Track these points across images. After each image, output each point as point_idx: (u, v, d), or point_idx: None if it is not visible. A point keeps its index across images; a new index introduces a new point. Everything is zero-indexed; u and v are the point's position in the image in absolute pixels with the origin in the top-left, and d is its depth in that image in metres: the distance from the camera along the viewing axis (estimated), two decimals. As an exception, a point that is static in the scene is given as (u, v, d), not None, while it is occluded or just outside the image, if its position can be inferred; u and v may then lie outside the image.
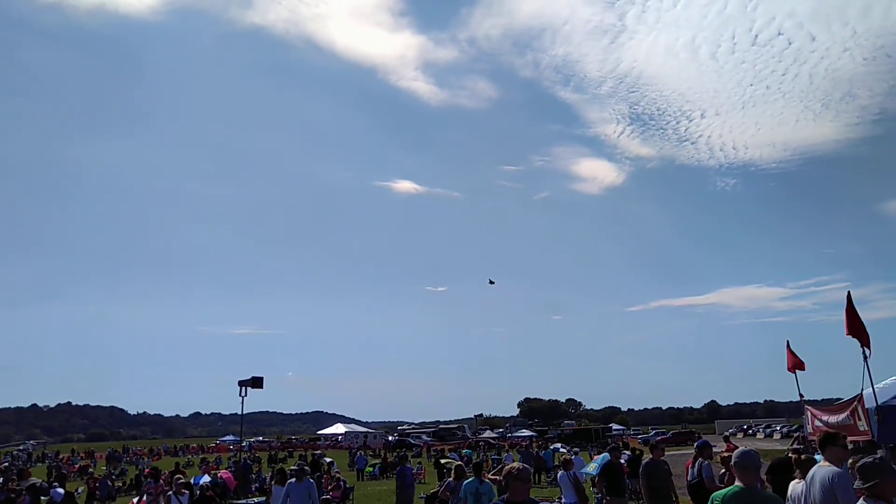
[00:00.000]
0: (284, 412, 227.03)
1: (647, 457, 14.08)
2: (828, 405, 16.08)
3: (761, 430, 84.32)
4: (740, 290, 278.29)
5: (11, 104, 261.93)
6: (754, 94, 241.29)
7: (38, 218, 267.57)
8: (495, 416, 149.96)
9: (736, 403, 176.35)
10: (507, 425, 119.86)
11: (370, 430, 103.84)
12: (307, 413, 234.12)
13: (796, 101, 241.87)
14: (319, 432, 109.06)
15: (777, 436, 71.80)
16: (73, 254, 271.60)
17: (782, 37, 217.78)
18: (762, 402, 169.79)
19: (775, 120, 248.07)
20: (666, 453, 14.15)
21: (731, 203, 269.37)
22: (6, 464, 54.83)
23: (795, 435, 34.53)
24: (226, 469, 35.31)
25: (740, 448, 5.43)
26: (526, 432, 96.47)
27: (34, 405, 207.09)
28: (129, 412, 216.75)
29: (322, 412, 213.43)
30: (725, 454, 14.34)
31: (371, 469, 43.09)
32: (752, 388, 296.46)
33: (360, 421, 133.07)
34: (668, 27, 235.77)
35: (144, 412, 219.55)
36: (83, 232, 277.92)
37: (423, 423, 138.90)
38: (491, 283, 54.42)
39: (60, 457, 76.12)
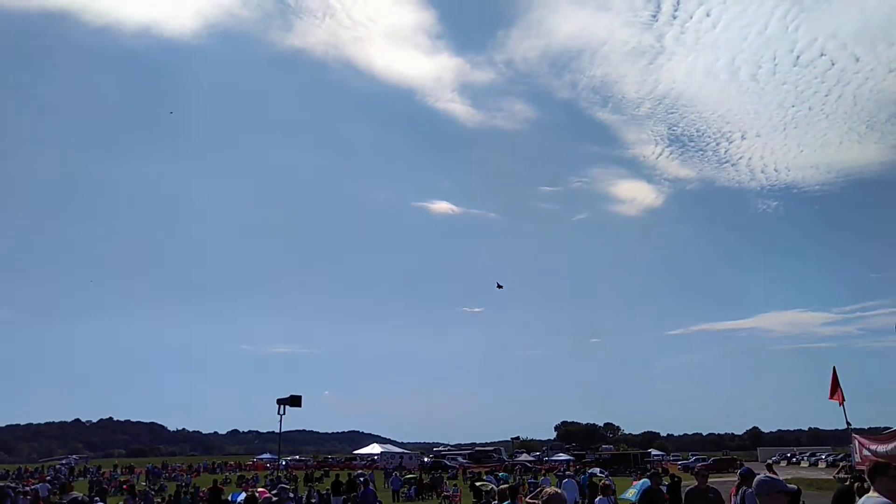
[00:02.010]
0: (320, 431, 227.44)
1: (689, 483, 13.82)
2: (876, 434, 15.66)
3: (805, 458, 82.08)
4: (783, 315, 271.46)
5: (59, 124, 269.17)
6: (796, 116, 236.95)
7: (83, 236, 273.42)
8: (532, 439, 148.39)
9: (779, 430, 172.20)
10: (544, 448, 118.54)
11: (406, 451, 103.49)
12: (343, 432, 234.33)
13: (840, 123, 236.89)
14: (355, 452, 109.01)
15: (822, 464, 69.80)
16: (116, 272, 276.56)
17: (825, 57, 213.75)
18: (806, 429, 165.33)
19: (818, 141, 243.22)
20: (708, 480, 13.83)
21: (773, 226, 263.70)
22: (49, 477, 55.89)
23: (842, 464, 33.60)
24: (263, 487, 35.49)
25: (759, 476, 5.29)
26: (563, 456, 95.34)
27: (77, 420, 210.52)
28: (168, 428, 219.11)
29: (358, 432, 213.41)
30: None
31: (406, 489, 42.98)
32: (796, 415, 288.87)
33: (395, 441, 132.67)
34: (707, 48, 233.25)
35: (183, 429, 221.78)
36: (127, 250, 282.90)
37: (459, 444, 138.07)
38: (499, 287, 53.61)
39: (102, 472, 77.29)
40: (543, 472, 63.61)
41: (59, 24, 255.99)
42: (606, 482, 16.40)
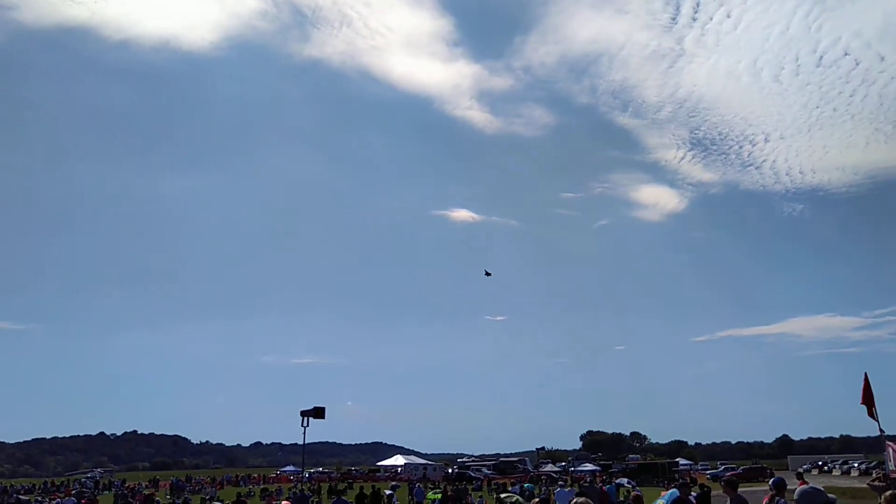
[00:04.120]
0: (343, 442, 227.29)
1: (719, 493, 13.35)
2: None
3: (837, 466, 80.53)
4: (812, 320, 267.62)
5: (82, 140, 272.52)
6: (821, 117, 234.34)
7: (106, 250, 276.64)
8: (557, 449, 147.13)
9: (809, 438, 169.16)
10: (570, 459, 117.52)
11: (430, 462, 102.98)
12: (366, 444, 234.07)
13: (866, 123, 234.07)
14: (379, 464, 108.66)
15: (855, 472, 68.40)
16: (139, 286, 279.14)
17: (849, 57, 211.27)
18: (838, 436, 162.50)
19: (844, 143, 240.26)
20: (738, 490, 13.35)
21: (800, 229, 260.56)
22: (74, 491, 56.10)
23: (875, 472, 32.74)
24: (286, 500, 35.25)
25: (801, 487, 4.94)
26: (589, 466, 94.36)
27: (101, 433, 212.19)
28: (192, 441, 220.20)
29: (381, 443, 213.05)
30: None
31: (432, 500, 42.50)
32: (827, 422, 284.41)
33: (419, 452, 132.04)
34: (728, 50, 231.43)
35: (207, 441, 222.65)
36: (149, 264, 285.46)
37: (483, 455, 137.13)
38: (487, 274, 52.60)
39: (127, 485, 77.59)
40: (569, 482, 62.90)
41: (80, 39, 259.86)
42: (636, 493, 15.98)
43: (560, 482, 42.40)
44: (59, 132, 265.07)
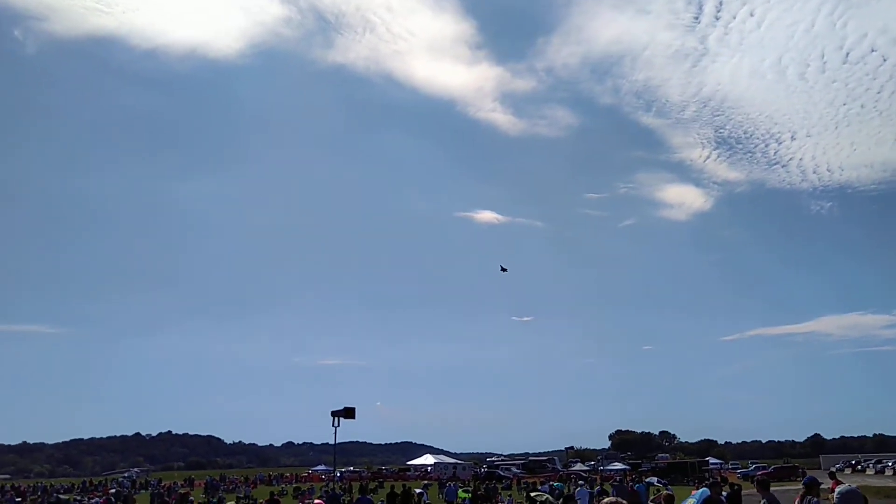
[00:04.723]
0: (373, 442, 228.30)
1: (750, 492, 13.55)
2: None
3: (871, 465, 79.51)
4: (842, 318, 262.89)
5: (112, 147, 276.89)
6: (848, 114, 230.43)
7: (140, 254, 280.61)
8: (586, 449, 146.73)
9: (842, 437, 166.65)
10: (599, 458, 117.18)
11: (459, 462, 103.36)
12: (396, 443, 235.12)
13: (894, 119, 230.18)
14: (409, 463, 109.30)
15: (889, 472, 67.54)
16: (171, 289, 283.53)
17: (876, 53, 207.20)
18: (871, 435, 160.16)
19: (872, 139, 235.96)
20: (770, 489, 13.52)
21: (828, 227, 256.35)
22: (113, 491, 57.37)
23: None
24: (318, 499, 35.89)
25: (843, 486, 5.22)
26: (618, 465, 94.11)
27: (137, 434, 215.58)
28: (225, 441, 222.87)
29: (410, 443, 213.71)
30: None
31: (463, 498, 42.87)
32: (859, 421, 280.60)
33: (448, 452, 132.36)
34: (752, 48, 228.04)
35: (240, 441, 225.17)
36: (182, 267, 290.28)
37: (513, 454, 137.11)
38: (503, 270, 52.58)
39: (163, 484, 79.02)
40: (599, 481, 62.84)
41: (109, 48, 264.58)
42: (668, 492, 16.18)
43: (581, 482, 42.50)
44: (90, 139, 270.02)
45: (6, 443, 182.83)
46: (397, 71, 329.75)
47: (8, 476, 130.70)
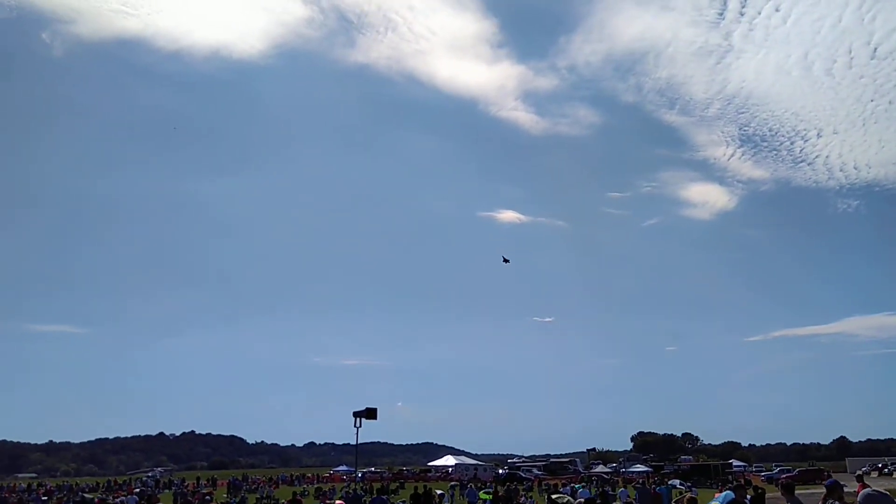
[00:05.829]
0: (394, 443, 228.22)
1: (774, 496, 13.34)
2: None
3: (899, 468, 78.31)
4: (868, 319, 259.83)
5: (138, 147, 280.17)
6: (876, 111, 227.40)
7: (161, 254, 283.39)
8: (608, 451, 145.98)
9: (868, 440, 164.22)
10: (621, 460, 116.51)
11: (480, 463, 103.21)
12: (417, 444, 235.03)
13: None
14: (430, 464, 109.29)
15: (917, 475, 66.51)
16: (194, 289, 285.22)
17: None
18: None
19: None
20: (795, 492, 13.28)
21: (855, 226, 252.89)
22: (137, 490, 57.91)
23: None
24: (339, 499, 35.90)
25: (867, 489, 5.08)
26: (641, 467, 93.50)
27: (161, 434, 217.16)
28: (247, 441, 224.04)
29: (431, 443, 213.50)
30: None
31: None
32: (886, 423, 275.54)
33: (469, 453, 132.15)
34: (777, 44, 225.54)
35: (262, 441, 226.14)
36: (204, 267, 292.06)
37: (534, 456, 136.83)
38: (505, 261, 52.18)
39: (186, 484, 79.63)
40: (621, 483, 62.44)
41: (134, 50, 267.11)
42: (692, 495, 15.99)
43: (582, 483, 42.29)
44: (116, 140, 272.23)
45: (33, 442, 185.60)
46: (419, 70, 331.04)
47: (34, 475, 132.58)
